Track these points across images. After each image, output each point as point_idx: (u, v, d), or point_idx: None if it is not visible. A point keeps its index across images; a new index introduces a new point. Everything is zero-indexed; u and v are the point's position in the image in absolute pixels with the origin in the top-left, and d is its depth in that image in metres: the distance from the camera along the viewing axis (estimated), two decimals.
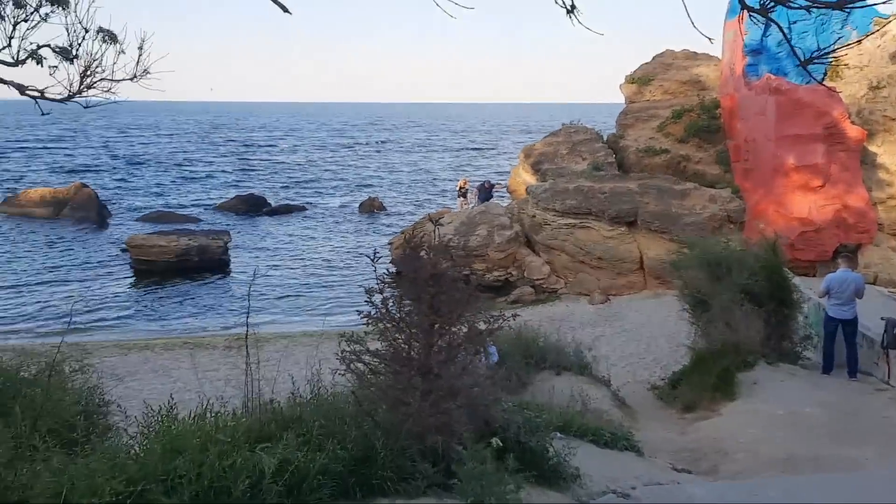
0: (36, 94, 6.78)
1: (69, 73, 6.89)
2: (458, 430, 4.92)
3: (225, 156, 68.06)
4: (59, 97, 7.05)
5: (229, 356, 14.93)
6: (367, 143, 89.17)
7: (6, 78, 6.17)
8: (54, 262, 25.72)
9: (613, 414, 9.11)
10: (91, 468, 3.57)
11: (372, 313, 5.60)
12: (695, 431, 8.81)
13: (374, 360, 5.50)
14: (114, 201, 39.51)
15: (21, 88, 6.66)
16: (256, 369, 6.89)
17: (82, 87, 7.11)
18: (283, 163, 63.31)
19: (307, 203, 41.24)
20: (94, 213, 33.07)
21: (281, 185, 49.55)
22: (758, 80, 22.57)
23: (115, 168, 56.74)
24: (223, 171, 56.05)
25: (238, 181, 50.72)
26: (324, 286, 23.51)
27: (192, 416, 4.39)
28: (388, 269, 5.52)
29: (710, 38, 4.33)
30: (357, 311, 5.47)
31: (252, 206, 38.50)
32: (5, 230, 30.92)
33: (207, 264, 24.47)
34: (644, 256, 21.18)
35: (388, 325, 5.54)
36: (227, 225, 32.26)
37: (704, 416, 9.39)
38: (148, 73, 7.36)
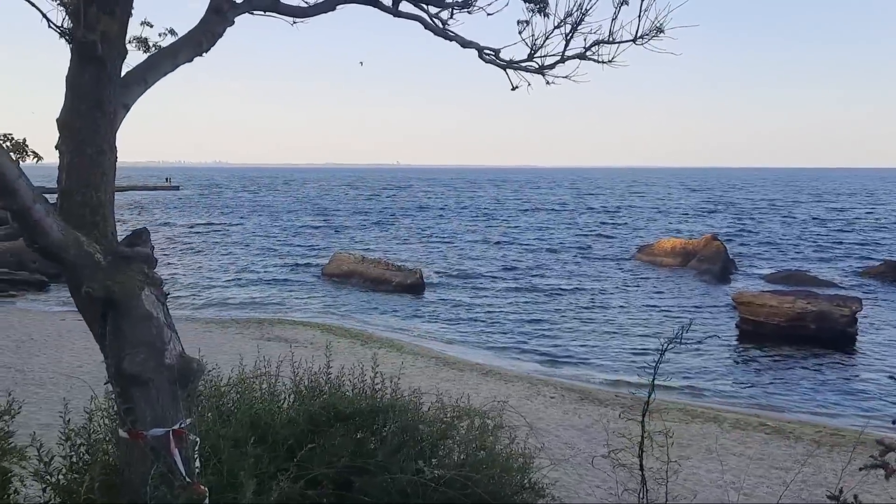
0: (490, 55, 5.31)
1: (533, 30, 5.27)
2: None
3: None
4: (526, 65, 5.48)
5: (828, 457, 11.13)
6: None
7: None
8: (667, 308, 25.29)
9: None
10: None
11: None
12: None
13: None
14: (743, 257, 37.81)
15: (479, 49, 5.31)
16: None
17: (566, 52, 5.36)
18: None
19: None
20: (718, 267, 31.69)
21: None
22: None
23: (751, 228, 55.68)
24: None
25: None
26: None
27: None
28: None
29: None
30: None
31: None
32: (637, 274, 33.22)
33: (826, 334, 19.95)
34: None
35: None
36: (867, 294, 26.53)
37: None
38: (661, 31, 5.16)
